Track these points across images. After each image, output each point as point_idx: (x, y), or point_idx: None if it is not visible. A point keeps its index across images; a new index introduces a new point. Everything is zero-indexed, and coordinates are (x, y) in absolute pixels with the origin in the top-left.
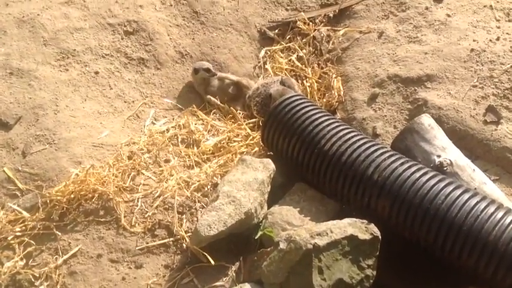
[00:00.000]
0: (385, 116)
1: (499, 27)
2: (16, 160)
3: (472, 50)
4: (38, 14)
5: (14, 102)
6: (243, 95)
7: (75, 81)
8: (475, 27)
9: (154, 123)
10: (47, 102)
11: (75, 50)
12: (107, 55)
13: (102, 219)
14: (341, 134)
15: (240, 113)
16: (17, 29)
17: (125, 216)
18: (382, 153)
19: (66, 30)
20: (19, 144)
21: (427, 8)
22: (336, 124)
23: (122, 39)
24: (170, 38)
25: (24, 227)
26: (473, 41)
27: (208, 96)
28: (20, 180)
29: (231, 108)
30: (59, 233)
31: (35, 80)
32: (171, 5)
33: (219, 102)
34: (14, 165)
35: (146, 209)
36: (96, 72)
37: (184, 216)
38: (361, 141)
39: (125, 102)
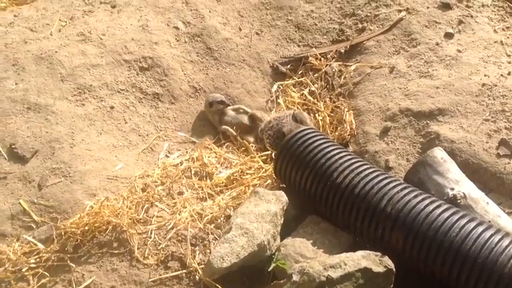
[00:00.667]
0: (398, 149)
1: (510, 62)
2: (32, 193)
3: (484, 84)
4: (56, 51)
5: (31, 136)
6: (256, 127)
7: (91, 115)
8: (486, 62)
9: (168, 156)
10: (63, 136)
11: (91, 85)
12: (122, 90)
13: (115, 251)
14: (354, 166)
15: (252, 146)
16: (35, 66)
17: (138, 248)
18: (395, 186)
19: (83, 67)
20: (35, 177)
21: (437, 44)
22: (349, 157)
23: (137, 74)
24: (184, 74)
25: (38, 259)
26: (485, 75)
27: (224, 127)
28: (35, 213)
29: (244, 141)
30: (73, 265)
31: (52, 115)
32: (186, 42)
33: (235, 133)
34: (29, 197)
35: (159, 241)
36: (112, 107)
37: (197, 248)
38: (374, 174)
39: (140, 135)
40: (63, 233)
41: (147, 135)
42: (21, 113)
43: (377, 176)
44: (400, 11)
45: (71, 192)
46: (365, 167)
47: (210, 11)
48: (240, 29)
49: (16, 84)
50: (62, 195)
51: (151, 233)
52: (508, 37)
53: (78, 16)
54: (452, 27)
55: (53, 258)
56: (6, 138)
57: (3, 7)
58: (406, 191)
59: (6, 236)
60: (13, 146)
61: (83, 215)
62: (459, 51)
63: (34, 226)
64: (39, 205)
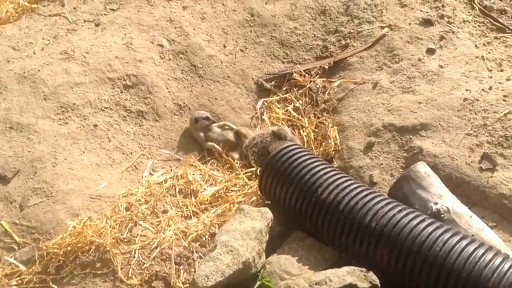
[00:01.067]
0: (382, 164)
1: (491, 77)
2: (13, 213)
3: (465, 99)
4: (39, 70)
5: (13, 156)
6: (241, 144)
7: (74, 134)
8: (468, 77)
9: (152, 174)
10: (46, 155)
11: (74, 104)
12: (106, 108)
13: (98, 272)
14: (338, 182)
15: (237, 163)
16: (18, 85)
17: (121, 268)
18: (379, 201)
19: (66, 85)
20: (17, 197)
21: (419, 60)
22: (333, 172)
23: (121, 92)
24: (169, 91)
25: (20, 281)
26: (466, 90)
27: (210, 144)
28: (17, 234)
29: (229, 157)
30: (55, 286)
31: (34, 134)
32: (170, 59)
33: (221, 150)
34: (11, 218)
35: (143, 261)
36: (95, 125)
37: (181, 267)
38: (358, 189)
39: (123, 154)
40: (45, 254)
41: (131, 153)
42: (3, 133)
43: (361, 191)
44: (382, 27)
45: (53, 212)
46: (349, 182)
47: (194, 29)
48: (225, 46)
49: None
50: (44, 216)
51: (135, 253)
52: (489, 52)
53: (62, 35)
54: (434, 43)
55: (34, 280)
56: None
57: None
58: (390, 206)
59: None
60: None
61: (65, 235)
62: (441, 66)
63: (16, 247)
64: (21, 226)
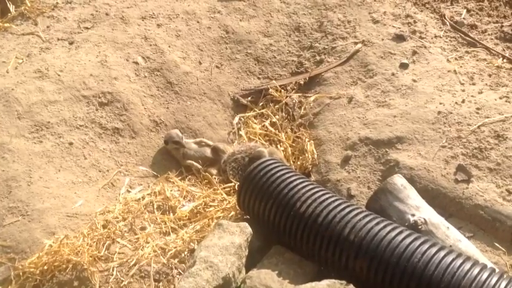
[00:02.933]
0: (359, 177)
1: (463, 90)
2: None
3: (439, 112)
4: (13, 89)
5: None
6: (219, 159)
7: (49, 152)
8: (441, 91)
9: (129, 191)
10: (20, 174)
11: (49, 122)
12: (81, 126)
13: None
14: (316, 196)
15: (215, 178)
16: None
17: (100, 287)
18: (357, 214)
19: (40, 104)
20: None
21: (393, 74)
22: (311, 186)
23: (97, 110)
24: (145, 108)
25: None
26: (440, 103)
27: (189, 161)
28: None
29: (206, 173)
30: None
31: (9, 153)
32: (145, 77)
33: (200, 167)
34: None
35: (122, 278)
36: (71, 143)
37: (161, 283)
38: (336, 202)
39: (100, 171)
40: (21, 274)
41: (108, 170)
42: None
43: (339, 204)
44: (356, 43)
45: (29, 231)
46: (327, 195)
47: (169, 46)
48: (200, 63)
49: None
50: (20, 235)
51: (113, 270)
52: (460, 66)
53: (35, 53)
54: (407, 58)
55: None
56: None
57: None
58: (368, 218)
59: None
60: None
61: (41, 254)
62: (414, 80)
63: None
64: None
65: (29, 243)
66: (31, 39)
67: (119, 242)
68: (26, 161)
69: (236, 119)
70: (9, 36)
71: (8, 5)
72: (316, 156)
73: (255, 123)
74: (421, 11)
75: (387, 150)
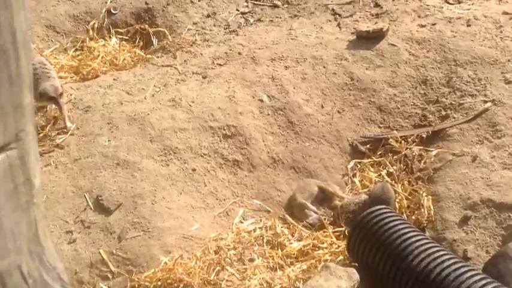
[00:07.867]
0: (477, 239)
1: None
2: (112, 244)
3: None
4: (148, 114)
5: (117, 190)
6: (327, 199)
7: (174, 176)
8: None
9: (242, 222)
10: (146, 192)
11: (177, 147)
12: (205, 154)
13: None
14: (431, 251)
15: (325, 219)
16: (128, 125)
17: None
18: (473, 275)
19: (171, 130)
20: (116, 229)
21: None
22: (426, 241)
23: (220, 141)
24: (265, 144)
25: None
26: None
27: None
28: (112, 263)
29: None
30: None
31: (138, 172)
32: (269, 114)
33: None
34: (109, 248)
35: None
36: (194, 169)
37: None
38: (451, 261)
39: (217, 199)
40: (136, 286)
41: (224, 199)
42: (110, 168)
43: (455, 263)
44: (485, 101)
45: (148, 246)
46: (442, 252)
47: (294, 87)
48: (322, 107)
49: (109, 141)
50: (139, 249)
51: None
52: None
53: (172, 84)
54: None
55: None
56: (94, 189)
57: (105, 71)
58: (484, 281)
59: (83, 283)
60: (100, 198)
61: (157, 270)
62: None
63: (110, 276)
64: (117, 256)
65: (146, 258)
66: (169, 71)
67: (227, 270)
68: (153, 181)
69: (351, 163)
70: (150, 66)
71: (152, 38)
72: (432, 212)
73: (372, 171)
74: None
75: (510, 214)
